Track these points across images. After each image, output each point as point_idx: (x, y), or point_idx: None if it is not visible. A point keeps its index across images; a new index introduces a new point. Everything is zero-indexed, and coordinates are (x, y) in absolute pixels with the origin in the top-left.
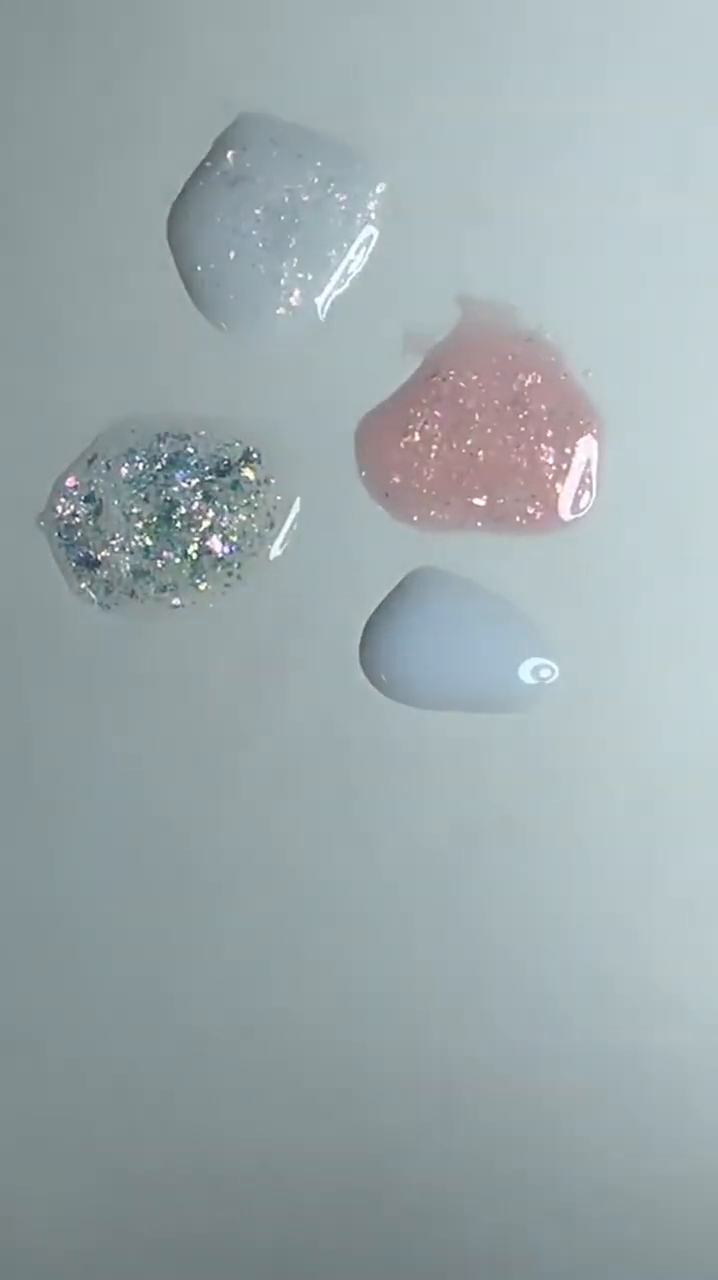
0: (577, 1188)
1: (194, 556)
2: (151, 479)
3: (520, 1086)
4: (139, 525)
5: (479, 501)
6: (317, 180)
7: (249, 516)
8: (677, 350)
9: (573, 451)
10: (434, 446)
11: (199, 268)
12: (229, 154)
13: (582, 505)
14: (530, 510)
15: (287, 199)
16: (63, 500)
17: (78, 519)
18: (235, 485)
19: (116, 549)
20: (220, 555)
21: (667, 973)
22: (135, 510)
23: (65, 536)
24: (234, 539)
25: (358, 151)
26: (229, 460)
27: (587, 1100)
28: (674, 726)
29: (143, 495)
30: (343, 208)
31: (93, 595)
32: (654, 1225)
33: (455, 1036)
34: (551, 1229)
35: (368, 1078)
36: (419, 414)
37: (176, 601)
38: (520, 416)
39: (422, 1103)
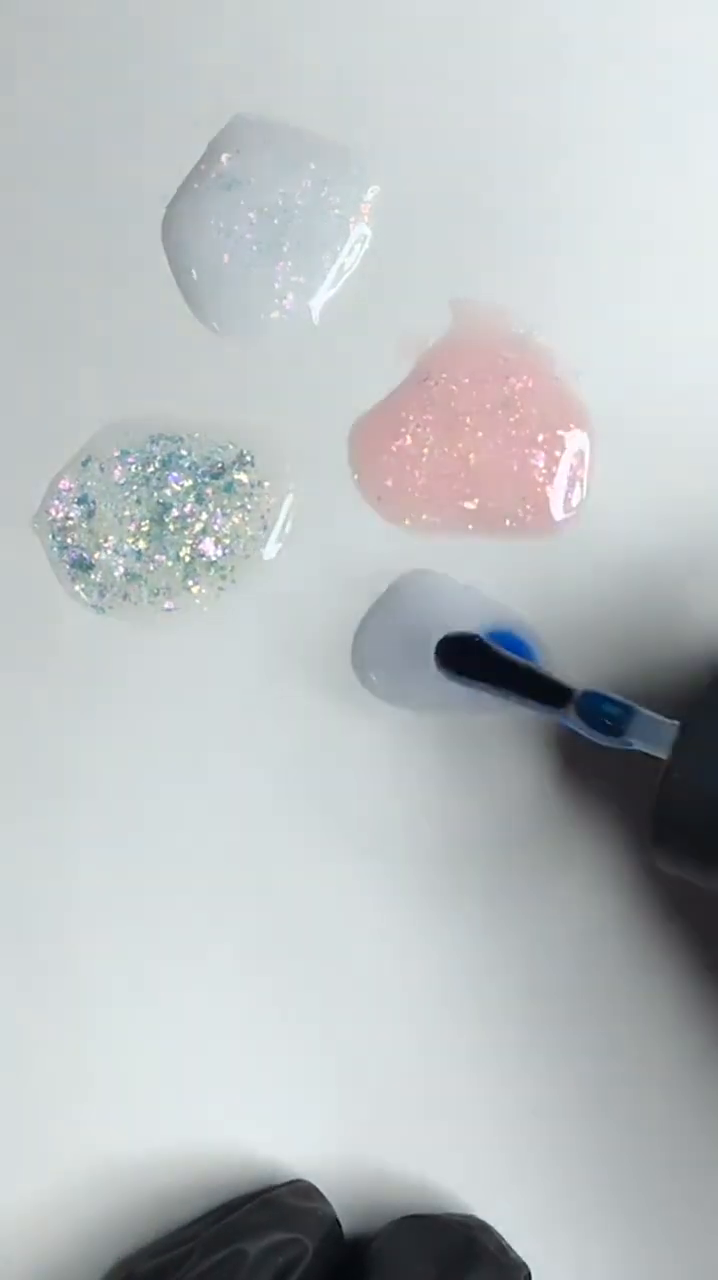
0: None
1: (187, 559)
2: (144, 481)
3: (516, 1089)
4: (132, 528)
5: (470, 505)
6: (310, 183)
7: (243, 519)
8: (668, 353)
9: (563, 454)
10: (426, 450)
11: (194, 271)
12: (223, 157)
13: (572, 507)
14: (521, 513)
15: (280, 202)
16: (56, 502)
17: (71, 521)
18: (229, 488)
19: (110, 551)
20: (213, 558)
21: (665, 979)
22: (128, 513)
23: (59, 538)
24: (227, 541)
25: (351, 154)
26: (223, 463)
27: (581, 1098)
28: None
29: (135, 498)
30: (336, 211)
31: (87, 598)
32: None
33: (452, 1038)
34: None
35: (363, 1080)
36: (411, 417)
37: (169, 605)
38: (512, 420)
39: (417, 1103)
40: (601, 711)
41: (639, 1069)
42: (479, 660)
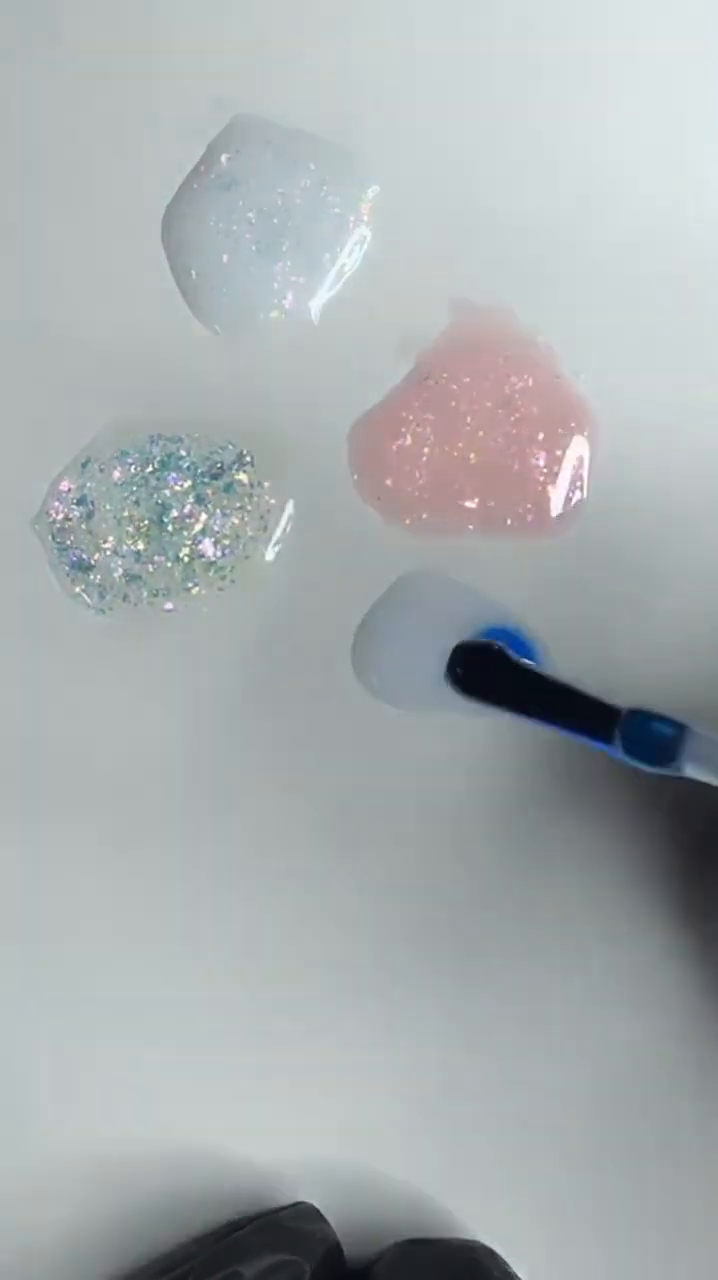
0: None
1: (186, 560)
2: (144, 482)
3: (521, 1112)
4: (131, 529)
5: (470, 504)
6: (309, 183)
7: (242, 519)
8: (668, 353)
9: (564, 453)
10: (426, 450)
11: (193, 271)
12: (223, 157)
13: (573, 506)
14: (521, 512)
15: (280, 202)
16: (56, 503)
17: (71, 522)
18: (228, 488)
19: (109, 552)
20: (213, 559)
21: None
22: (128, 514)
23: (59, 539)
24: (227, 542)
25: (351, 154)
26: (222, 463)
27: (586, 1121)
28: None
29: (134, 499)
30: (336, 210)
31: (87, 599)
32: None
33: (450, 1034)
34: None
35: (368, 1101)
36: (411, 417)
37: (169, 606)
38: (512, 419)
39: (422, 1125)
40: (651, 733)
41: (644, 1091)
42: (500, 676)
